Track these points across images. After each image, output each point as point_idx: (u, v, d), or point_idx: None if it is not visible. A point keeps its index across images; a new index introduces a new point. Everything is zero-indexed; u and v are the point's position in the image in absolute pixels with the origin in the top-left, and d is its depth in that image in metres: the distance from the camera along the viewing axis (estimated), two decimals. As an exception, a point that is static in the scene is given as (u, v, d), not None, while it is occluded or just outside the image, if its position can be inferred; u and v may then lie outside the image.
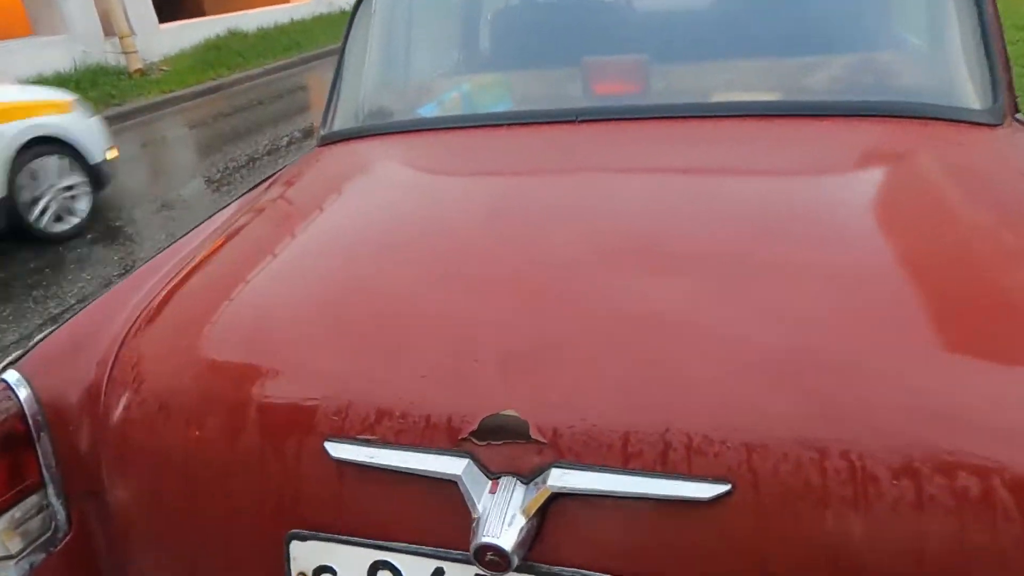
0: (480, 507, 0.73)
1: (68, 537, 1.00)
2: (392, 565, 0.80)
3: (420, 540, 0.79)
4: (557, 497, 0.73)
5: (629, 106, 1.40)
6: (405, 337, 0.89)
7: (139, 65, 9.17)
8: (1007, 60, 1.32)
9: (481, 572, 0.74)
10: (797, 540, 0.69)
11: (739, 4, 1.61)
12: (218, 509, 0.89)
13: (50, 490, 0.99)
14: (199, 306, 1.06)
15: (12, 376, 0.99)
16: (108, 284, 3.68)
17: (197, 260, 1.18)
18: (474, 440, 0.76)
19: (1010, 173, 1.10)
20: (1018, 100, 1.38)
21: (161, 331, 1.03)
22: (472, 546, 0.71)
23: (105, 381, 1.00)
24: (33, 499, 0.98)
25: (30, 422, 0.97)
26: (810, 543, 0.69)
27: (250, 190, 1.53)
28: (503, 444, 0.76)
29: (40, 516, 0.99)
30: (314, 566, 0.83)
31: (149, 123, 7.77)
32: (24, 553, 0.97)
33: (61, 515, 1.00)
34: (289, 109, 7.99)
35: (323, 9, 14.12)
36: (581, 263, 0.97)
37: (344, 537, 0.82)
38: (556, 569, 0.74)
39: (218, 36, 11.10)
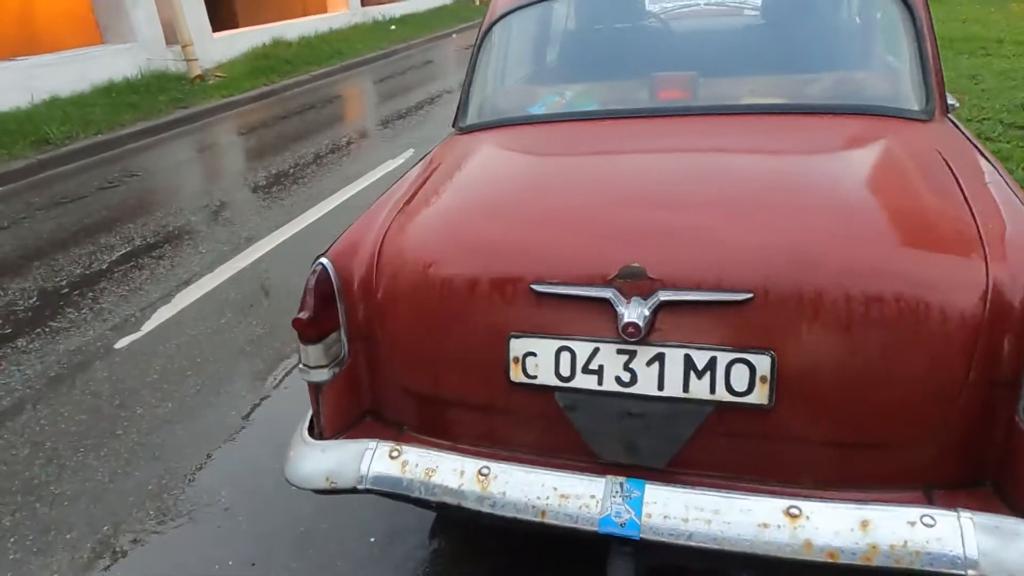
0: (623, 311, 1.37)
1: (348, 361, 1.67)
2: (570, 348, 1.44)
3: (585, 333, 1.43)
4: (662, 305, 1.38)
5: (683, 107, 2.07)
6: (581, 226, 1.56)
7: (198, 71, 9.92)
8: (940, 74, 1.97)
9: (621, 345, 1.39)
10: (794, 328, 1.34)
11: (756, 40, 2.29)
12: (460, 331, 1.54)
13: (342, 332, 1.66)
14: (423, 221, 1.72)
15: (326, 261, 1.66)
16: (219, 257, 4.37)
17: (412, 192, 1.86)
18: (617, 279, 1.41)
19: (931, 152, 1.73)
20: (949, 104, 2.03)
21: (402, 237, 1.70)
22: (619, 326, 1.35)
23: (374, 270, 1.66)
24: (334, 335, 1.65)
25: (335, 289, 1.64)
26: (807, 332, 1.33)
27: (417, 163, 2.20)
28: (633, 280, 1.40)
29: (336, 346, 1.66)
30: (523, 352, 1.48)
31: (214, 124, 8.52)
32: (330, 364, 1.64)
33: (345, 348, 1.67)
34: (338, 113, 8.71)
35: (359, 19, 14.89)
36: (659, 191, 1.64)
37: (542, 334, 1.46)
38: (660, 341, 1.38)
39: (264, 44, 11.84)
